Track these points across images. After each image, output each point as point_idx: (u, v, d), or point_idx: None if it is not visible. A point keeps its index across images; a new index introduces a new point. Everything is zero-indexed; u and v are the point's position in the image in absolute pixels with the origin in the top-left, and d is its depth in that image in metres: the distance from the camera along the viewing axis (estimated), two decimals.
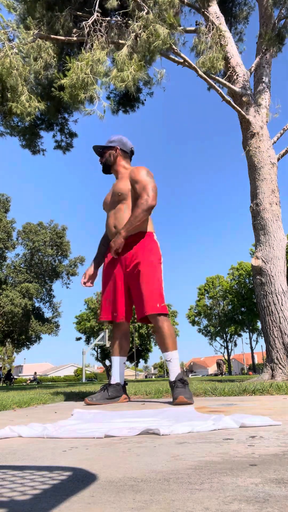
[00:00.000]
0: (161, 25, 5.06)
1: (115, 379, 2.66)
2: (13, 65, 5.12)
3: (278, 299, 4.67)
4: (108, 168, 2.90)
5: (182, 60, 5.53)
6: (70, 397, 3.24)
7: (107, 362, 39.44)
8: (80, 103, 5.19)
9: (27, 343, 28.04)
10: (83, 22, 5.91)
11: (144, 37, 5.10)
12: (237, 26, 8.20)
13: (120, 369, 2.69)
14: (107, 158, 2.88)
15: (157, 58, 5.36)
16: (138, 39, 5.30)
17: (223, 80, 5.63)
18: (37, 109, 5.49)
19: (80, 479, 0.76)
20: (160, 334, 2.50)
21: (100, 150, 2.92)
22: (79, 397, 3.21)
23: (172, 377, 2.44)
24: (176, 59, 5.57)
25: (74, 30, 6.10)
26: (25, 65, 5.34)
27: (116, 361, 2.70)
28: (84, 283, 2.84)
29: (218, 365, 29.67)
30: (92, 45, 5.70)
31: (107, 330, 27.93)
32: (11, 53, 5.19)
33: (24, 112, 5.29)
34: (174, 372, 2.45)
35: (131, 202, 2.66)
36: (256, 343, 46.55)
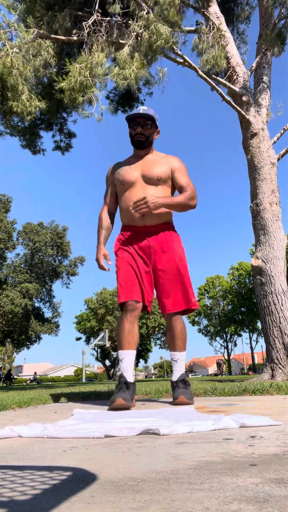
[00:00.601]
0: (162, 24, 5.06)
1: (131, 377, 2.34)
2: (14, 65, 5.12)
3: (278, 299, 4.67)
4: (144, 146, 2.59)
5: (182, 60, 5.53)
6: (70, 397, 3.24)
7: (107, 362, 39.45)
8: (78, 105, 5.19)
9: (27, 343, 28.05)
10: (83, 23, 5.92)
11: (146, 36, 5.10)
12: (240, 26, 8.19)
13: (132, 364, 2.39)
14: (151, 135, 2.59)
15: (158, 58, 5.36)
16: (139, 38, 5.30)
17: (223, 80, 5.63)
18: (37, 108, 5.48)
19: (80, 479, 0.76)
20: (171, 332, 2.42)
21: (150, 123, 2.56)
22: (79, 397, 3.21)
23: (175, 377, 2.40)
24: (177, 59, 5.57)
25: (74, 30, 6.10)
26: (25, 65, 5.34)
27: (129, 355, 2.36)
28: (102, 266, 2.53)
29: (218, 365, 29.68)
30: (92, 45, 5.71)
31: (106, 330, 27.93)
32: (12, 52, 5.19)
33: (24, 111, 5.29)
34: (178, 372, 2.41)
35: (166, 189, 2.54)
36: (256, 343, 46.57)
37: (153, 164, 2.56)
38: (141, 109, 2.57)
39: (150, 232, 2.49)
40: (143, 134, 2.55)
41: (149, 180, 2.52)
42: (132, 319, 2.39)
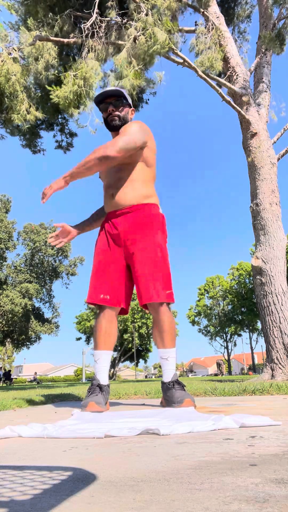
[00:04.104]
0: (159, 28, 5.07)
1: (105, 379, 2.21)
2: (11, 71, 5.14)
3: (278, 299, 4.67)
4: (119, 126, 2.31)
5: (181, 60, 5.53)
6: (70, 397, 3.24)
7: None
8: (72, 116, 5.24)
9: (27, 343, 28.07)
10: (82, 25, 5.92)
11: (142, 40, 5.11)
12: (240, 25, 8.20)
13: (108, 366, 2.25)
14: (125, 115, 2.34)
15: (155, 61, 5.37)
16: (136, 41, 5.31)
17: (223, 80, 5.63)
18: (35, 117, 5.53)
19: (80, 479, 0.76)
20: (159, 328, 2.17)
21: (123, 101, 2.33)
22: (79, 397, 3.21)
23: (168, 377, 2.13)
24: (176, 59, 5.57)
25: (72, 34, 6.11)
26: (24, 71, 5.37)
27: (104, 355, 2.22)
28: (57, 235, 2.31)
29: (218, 365, 29.71)
30: (89, 49, 5.72)
31: None
32: (9, 59, 5.21)
33: (23, 122, 5.35)
34: (171, 371, 2.16)
35: (143, 168, 2.28)
36: (256, 343, 46.61)
37: None
38: (108, 89, 2.34)
39: (124, 216, 2.22)
40: (115, 115, 2.30)
41: (120, 163, 2.24)
42: (111, 318, 2.21)
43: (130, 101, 2.40)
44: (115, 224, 2.24)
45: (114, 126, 2.32)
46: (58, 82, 5.41)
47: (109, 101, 2.32)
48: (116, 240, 2.24)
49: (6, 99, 5.31)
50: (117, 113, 2.31)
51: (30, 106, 5.44)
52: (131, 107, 2.42)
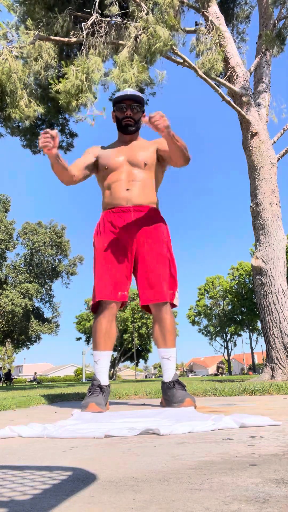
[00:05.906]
0: (161, 26, 5.07)
1: (106, 380, 2.21)
2: (12, 69, 5.14)
3: (278, 299, 4.67)
4: (132, 131, 2.38)
5: (182, 61, 5.53)
6: (70, 397, 3.24)
7: None
8: (73, 109, 5.23)
9: (27, 343, 28.06)
10: (83, 23, 5.92)
11: (144, 38, 5.11)
12: (239, 26, 8.22)
13: (108, 366, 2.25)
14: (140, 121, 2.40)
15: (157, 59, 5.37)
16: (138, 40, 5.31)
17: (223, 80, 5.63)
18: (36, 112, 5.53)
19: (80, 479, 0.76)
20: (163, 327, 2.19)
21: (142, 107, 2.38)
22: (79, 397, 3.21)
23: (169, 377, 2.15)
24: (176, 59, 5.58)
25: (73, 32, 6.10)
26: (24, 69, 5.36)
27: (105, 356, 2.22)
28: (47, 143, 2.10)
29: (218, 368, 29.85)
30: (90, 47, 5.72)
31: None
32: (10, 57, 5.21)
33: (23, 117, 5.34)
34: (171, 371, 2.17)
35: (152, 176, 2.34)
36: (256, 343, 46.63)
37: (139, 149, 2.36)
38: (128, 90, 2.38)
39: (137, 214, 2.25)
40: (132, 118, 2.35)
41: (135, 165, 2.32)
42: (111, 318, 2.20)
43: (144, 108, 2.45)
44: (132, 220, 2.23)
45: (127, 130, 2.37)
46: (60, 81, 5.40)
47: (128, 103, 2.34)
48: (130, 235, 2.23)
49: (7, 97, 5.31)
50: (134, 118, 2.36)
51: (30, 102, 5.44)
52: (143, 113, 2.44)
